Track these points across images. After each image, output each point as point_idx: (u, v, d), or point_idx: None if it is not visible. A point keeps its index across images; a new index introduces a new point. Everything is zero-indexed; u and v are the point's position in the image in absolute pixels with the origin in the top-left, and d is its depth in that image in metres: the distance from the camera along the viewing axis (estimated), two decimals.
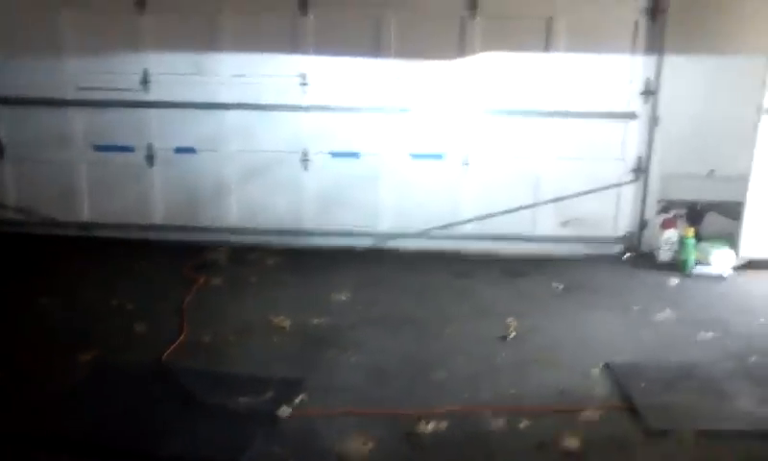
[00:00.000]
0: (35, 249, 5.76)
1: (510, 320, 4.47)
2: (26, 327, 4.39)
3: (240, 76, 5.74)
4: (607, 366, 3.93)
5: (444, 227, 5.89)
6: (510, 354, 4.10)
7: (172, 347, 4.12)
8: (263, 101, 5.77)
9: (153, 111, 5.84)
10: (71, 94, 5.84)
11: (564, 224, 5.85)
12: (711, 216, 5.81)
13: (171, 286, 5.04)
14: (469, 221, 5.88)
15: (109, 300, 4.76)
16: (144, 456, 3.19)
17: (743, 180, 5.35)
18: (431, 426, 3.37)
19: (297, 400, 3.57)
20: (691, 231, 5.52)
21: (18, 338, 4.23)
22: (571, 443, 3.26)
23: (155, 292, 4.96)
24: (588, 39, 5.54)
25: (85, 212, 6.06)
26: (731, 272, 5.39)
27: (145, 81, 5.76)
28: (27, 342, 4.17)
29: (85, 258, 5.60)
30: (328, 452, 3.21)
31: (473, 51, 5.58)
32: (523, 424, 3.41)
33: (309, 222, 5.97)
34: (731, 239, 5.55)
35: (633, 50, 5.56)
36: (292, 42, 5.65)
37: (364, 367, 3.96)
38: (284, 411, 3.46)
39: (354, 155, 5.84)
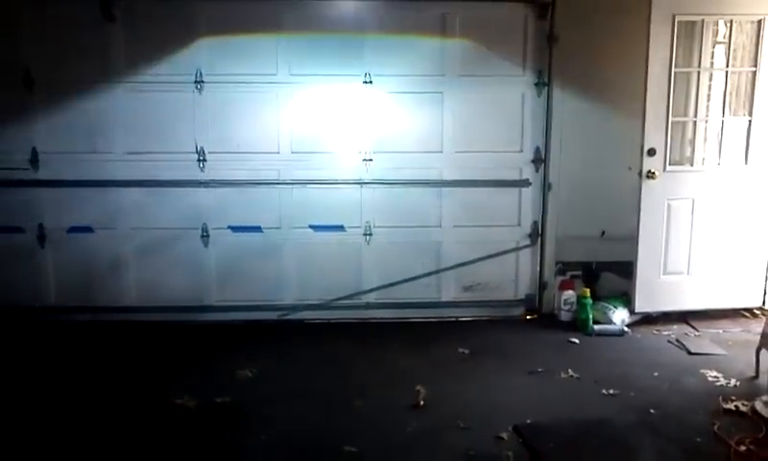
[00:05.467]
0: None
1: (418, 387, 4.44)
2: None
3: (136, 153, 5.62)
4: (515, 428, 3.95)
5: (349, 297, 5.88)
6: (420, 423, 4.05)
7: None
8: (160, 177, 5.65)
9: (43, 191, 5.62)
10: None
11: (467, 289, 5.95)
12: (606, 276, 6.03)
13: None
14: (374, 290, 5.89)
15: None
16: None
17: (632, 240, 5.59)
18: None
19: None
20: (588, 291, 5.70)
21: None
22: None
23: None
24: (479, 112, 5.74)
25: None
26: (627, 329, 5.58)
27: (34, 159, 5.57)
28: None
29: None
30: None
31: (370, 121, 5.69)
32: None
33: (211, 298, 5.83)
34: (625, 297, 5.77)
35: (522, 121, 5.79)
36: (189, 119, 5.59)
37: (272, 446, 3.81)
38: None
39: (256, 228, 5.79)
